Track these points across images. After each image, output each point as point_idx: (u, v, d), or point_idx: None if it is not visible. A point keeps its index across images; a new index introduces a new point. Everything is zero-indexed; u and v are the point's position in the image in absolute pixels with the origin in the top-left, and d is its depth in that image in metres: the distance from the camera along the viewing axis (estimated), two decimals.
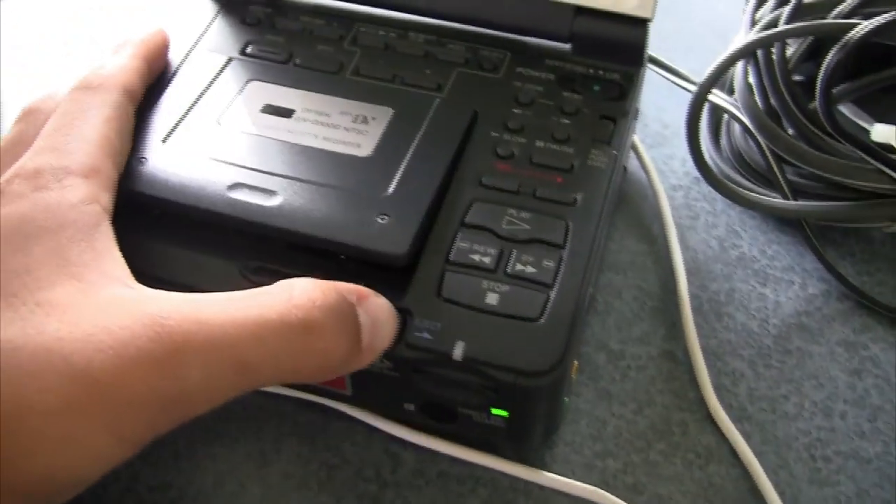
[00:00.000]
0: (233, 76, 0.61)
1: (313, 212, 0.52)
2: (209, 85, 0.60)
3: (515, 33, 0.64)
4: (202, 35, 0.64)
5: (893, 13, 0.62)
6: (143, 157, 0.54)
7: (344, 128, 0.57)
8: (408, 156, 0.55)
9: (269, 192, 0.53)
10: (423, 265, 0.52)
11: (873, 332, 0.63)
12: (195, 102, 0.58)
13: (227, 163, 0.54)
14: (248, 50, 0.63)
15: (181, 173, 0.54)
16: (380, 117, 0.58)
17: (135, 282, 0.45)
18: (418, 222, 0.51)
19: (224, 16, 0.65)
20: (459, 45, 0.63)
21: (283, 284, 0.45)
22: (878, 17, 0.62)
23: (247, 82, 0.60)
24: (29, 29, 0.85)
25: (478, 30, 0.65)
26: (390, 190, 0.53)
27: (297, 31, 0.64)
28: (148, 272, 0.47)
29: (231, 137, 0.56)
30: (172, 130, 0.56)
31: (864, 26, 0.62)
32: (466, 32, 0.65)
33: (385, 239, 0.50)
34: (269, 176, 0.54)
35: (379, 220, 0.50)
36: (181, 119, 0.57)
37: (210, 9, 0.66)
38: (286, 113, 0.58)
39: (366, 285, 0.49)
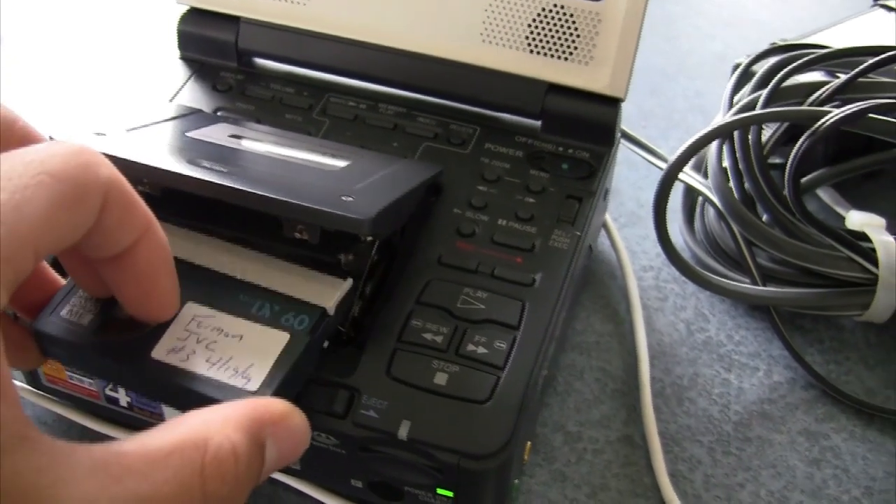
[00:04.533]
0: (203, 116, 0.61)
1: (281, 181, 0.51)
2: (180, 116, 0.60)
3: (486, 108, 0.64)
4: (173, 98, 0.64)
5: (861, 104, 0.62)
6: (102, 133, 0.52)
7: (314, 153, 0.57)
8: (376, 175, 0.55)
9: (238, 168, 0.52)
10: (374, 343, 0.51)
11: (836, 422, 0.62)
12: (163, 121, 0.58)
13: (192, 150, 0.54)
14: (219, 115, 0.63)
15: (146, 146, 0.53)
16: (350, 153, 0.58)
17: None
18: (383, 204, 0.49)
19: (195, 81, 0.66)
20: (430, 119, 0.63)
21: (196, 439, 0.38)
22: (848, 107, 0.62)
23: (216, 121, 0.60)
24: None
25: (450, 104, 0.65)
26: (357, 186, 0.52)
27: (266, 99, 0.64)
28: None
29: (200, 143, 0.56)
30: (139, 128, 0.55)
31: (834, 115, 0.62)
32: (438, 106, 0.65)
33: (351, 207, 0.48)
34: (235, 165, 0.53)
35: (344, 198, 0.49)
36: (148, 124, 0.57)
37: (182, 73, 0.66)
38: (254, 139, 0.58)
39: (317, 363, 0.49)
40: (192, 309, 0.48)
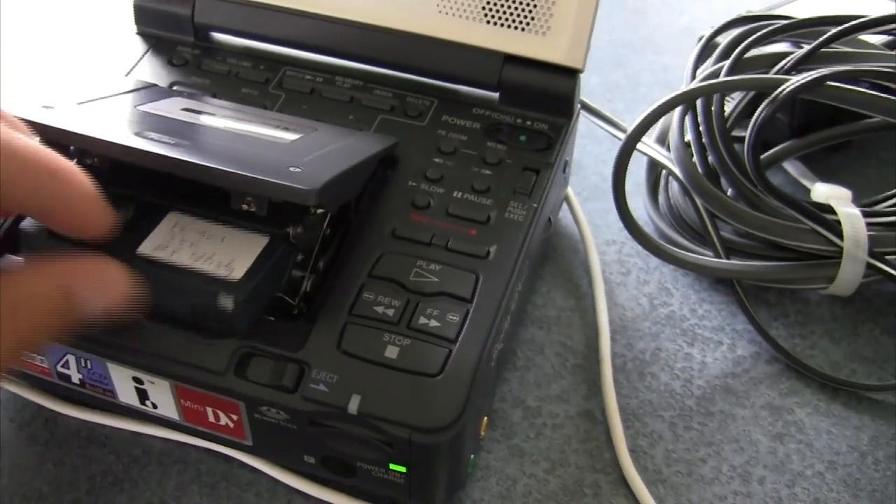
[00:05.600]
0: (157, 90, 0.60)
1: (229, 154, 0.51)
2: (134, 90, 0.59)
3: (443, 80, 0.63)
4: (129, 73, 0.63)
5: (820, 71, 0.61)
6: (50, 106, 0.51)
7: (268, 126, 0.56)
8: (328, 147, 0.54)
9: (187, 140, 0.51)
10: (325, 316, 0.51)
11: (800, 397, 0.62)
12: (116, 94, 0.57)
13: (142, 123, 0.53)
14: (174, 90, 0.62)
15: (94, 119, 0.52)
16: (304, 127, 0.57)
17: None
18: (331, 175, 0.48)
19: (152, 55, 0.65)
20: (386, 92, 0.62)
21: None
22: (805, 74, 0.61)
23: (170, 95, 0.60)
24: None
25: (408, 76, 0.64)
26: (306, 158, 0.51)
27: (223, 73, 0.64)
28: None
29: (151, 117, 0.55)
30: (90, 101, 0.55)
31: (792, 82, 0.61)
32: (396, 79, 0.64)
33: (298, 178, 0.47)
34: (184, 137, 0.52)
35: (292, 169, 0.48)
36: (100, 98, 0.56)
37: (139, 47, 0.65)
38: (207, 113, 0.57)
39: (265, 336, 0.50)
40: (176, 216, 0.51)
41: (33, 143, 0.44)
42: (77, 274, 0.44)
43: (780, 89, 0.61)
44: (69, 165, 0.44)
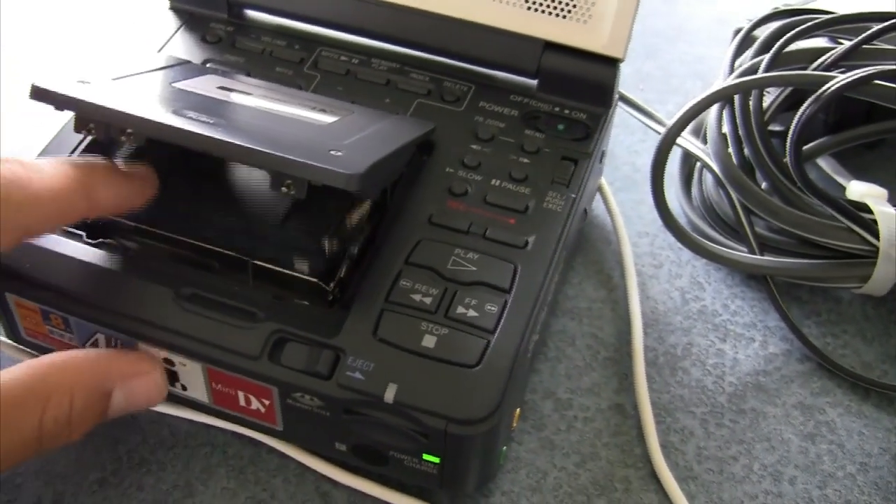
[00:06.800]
0: (191, 67, 0.60)
1: (268, 135, 0.50)
2: (168, 66, 0.58)
3: (482, 66, 0.63)
4: (161, 49, 0.63)
5: (868, 70, 0.60)
6: (86, 81, 0.51)
7: (304, 107, 0.56)
8: (367, 130, 0.53)
9: (225, 120, 0.51)
10: (361, 303, 0.50)
11: (832, 396, 0.61)
12: (151, 71, 0.57)
13: (178, 101, 0.52)
14: (208, 67, 0.61)
15: (130, 95, 0.52)
16: (340, 108, 0.57)
17: None
18: (373, 160, 0.47)
19: (185, 31, 0.64)
20: (423, 75, 0.62)
21: (40, 392, 0.46)
22: (853, 72, 0.61)
23: (204, 73, 0.59)
24: None
25: (445, 60, 0.63)
26: (346, 142, 0.50)
27: (257, 52, 0.63)
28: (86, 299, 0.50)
29: (187, 94, 0.54)
30: (125, 77, 0.54)
31: (839, 80, 0.60)
32: (433, 62, 0.63)
33: (340, 162, 0.46)
34: (222, 117, 0.51)
35: (333, 153, 0.47)
36: (135, 74, 0.55)
37: (172, 23, 0.65)
38: (242, 92, 0.57)
39: (300, 322, 0.49)
40: None
41: None
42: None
43: (825, 87, 0.61)
44: None
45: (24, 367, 0.46)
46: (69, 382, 0.47)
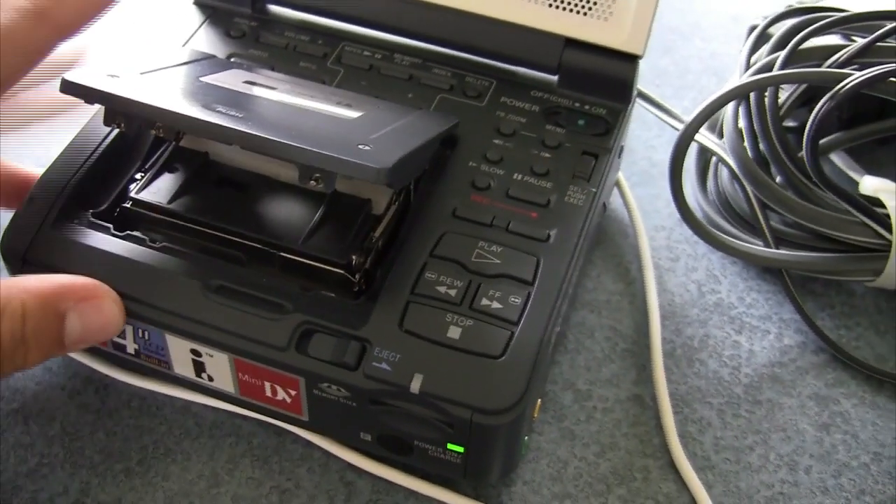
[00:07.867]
0: (216, 62, 0.61)
1: (296, 129, 0.50)
2: (194, 60, 0.59)
3: (503, 62, 0.63)
4: (186, 43, 0.63)
5: (885, 67, 0.61)
6: (115, 75, 0.51)
7: (329, 102, 0.56)
8: (392, 125, 0.54)
9: (254, 114, 0.51)
10: (387, 295, 0.51)
11: (846, 388, 0.62)
12: (177, 65, 0.57)
13: (207, 95, 0.53)
14: (233, 62, 0.62)
15: (160, 89, 0.53)
16: (365, 103, 0.58)
17: None
18: (401, 154, 0.48)
19: (209, 26, 0.65)
20: (445, 71, 0.62)
21: None
22: (870, 70, 0.61)
23: (229, 67, 0.60)
24: None
25: (466, 56, 0.64)
26: (373, 136, 0.51)
27: (281, 46, 0.63)
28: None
29: (215, 89, 0.55)
30: (153, 71, 0.55)
31: (856, 77, 0.61)
32: (454, 58, 0.64)
33: (369, 156, 0.47)
34: (250, 111, 0.52)
35: (361, 147, 0.48)
36: (163, 68, 0.56)
37: (196, 18, 0.65)
38: (268, 87, 0.57)
39: (327, 313, 0.49)
40: None
41: None
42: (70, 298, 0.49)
43: (842, 84, 0.61)
44: None
45: None
46: (19, 297, 0.46)
